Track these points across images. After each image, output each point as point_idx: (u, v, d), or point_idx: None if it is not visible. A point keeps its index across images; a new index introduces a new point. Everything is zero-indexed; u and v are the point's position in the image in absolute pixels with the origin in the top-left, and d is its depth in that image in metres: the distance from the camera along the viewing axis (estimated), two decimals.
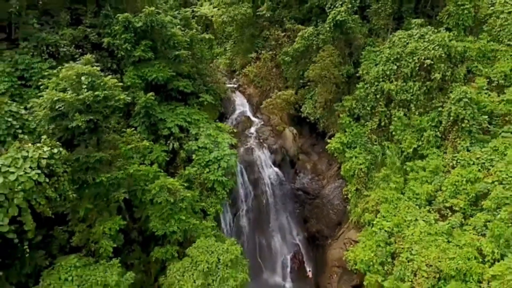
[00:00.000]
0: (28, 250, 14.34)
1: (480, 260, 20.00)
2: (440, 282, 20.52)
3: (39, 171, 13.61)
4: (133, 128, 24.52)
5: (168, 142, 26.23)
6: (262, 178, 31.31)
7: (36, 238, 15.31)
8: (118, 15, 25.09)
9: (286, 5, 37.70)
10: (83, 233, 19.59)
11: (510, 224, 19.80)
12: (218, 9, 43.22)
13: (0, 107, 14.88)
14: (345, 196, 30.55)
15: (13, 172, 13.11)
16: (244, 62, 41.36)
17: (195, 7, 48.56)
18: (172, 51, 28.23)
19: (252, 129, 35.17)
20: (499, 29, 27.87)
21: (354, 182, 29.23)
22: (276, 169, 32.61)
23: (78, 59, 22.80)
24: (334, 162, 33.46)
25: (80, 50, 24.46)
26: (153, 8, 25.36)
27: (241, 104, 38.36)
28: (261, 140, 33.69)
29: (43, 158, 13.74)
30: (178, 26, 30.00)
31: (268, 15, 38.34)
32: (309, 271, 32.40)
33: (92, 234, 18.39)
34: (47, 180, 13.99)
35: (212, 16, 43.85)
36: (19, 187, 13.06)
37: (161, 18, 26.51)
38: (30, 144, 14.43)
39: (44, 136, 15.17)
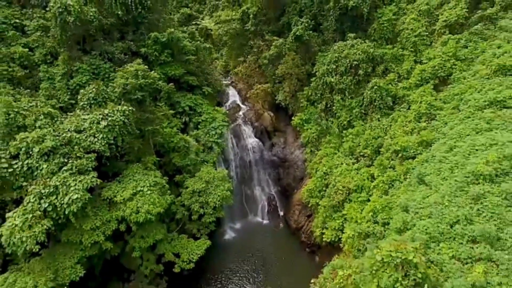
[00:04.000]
0: (119, 156, 29.40)
1: (371, 180, 34.59)
2: (349, 195, 35.11)
3: (124, 117, 28.60)
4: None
5: (182, 116, 41.22)
6: (247, 144, 46.08)
7: (121, 151, 30.20)
8: (150, 33, 40.43)
9: (266, 22, 52.50)
10: None
11: (389, 160, 34.44)
12: (216, 24, 58.61)
13: (99, 87, 29.92)
14: (305, 158, 45.34)
15: (112, 116, 28.12)
16: (235, 64, 56.51)
17: (198, 21, 63.99)
18: (184, 56, 43.50)
19: (241, 113, 50.19)
20: (405, 40, 42.41)
21: (309, 146, 44.10)
22: (257, 139, 47.37)
23: (126, 62, 37.82)
24: (299, 136, 48.14)
25: (127, 56, 39.55)
26: (172, 29, 40.59)
27: (233, 95, 53.48)
28: (247, 120, 48.69)
29: (126, 111, 28.74)
30: (187, 39, 45.21)
31: (253, 29, 51.44)
32: (281, 212, 46.94)
33: (142, 161, 33.15)
34: (127, 122, 29.02)
35: (211, 30, 59.21)
36: (116, 123, 28.11)
37: (177, 35, 41.75)
38: (115, 105, 29.43)
39: (123, 102, 30.27)
